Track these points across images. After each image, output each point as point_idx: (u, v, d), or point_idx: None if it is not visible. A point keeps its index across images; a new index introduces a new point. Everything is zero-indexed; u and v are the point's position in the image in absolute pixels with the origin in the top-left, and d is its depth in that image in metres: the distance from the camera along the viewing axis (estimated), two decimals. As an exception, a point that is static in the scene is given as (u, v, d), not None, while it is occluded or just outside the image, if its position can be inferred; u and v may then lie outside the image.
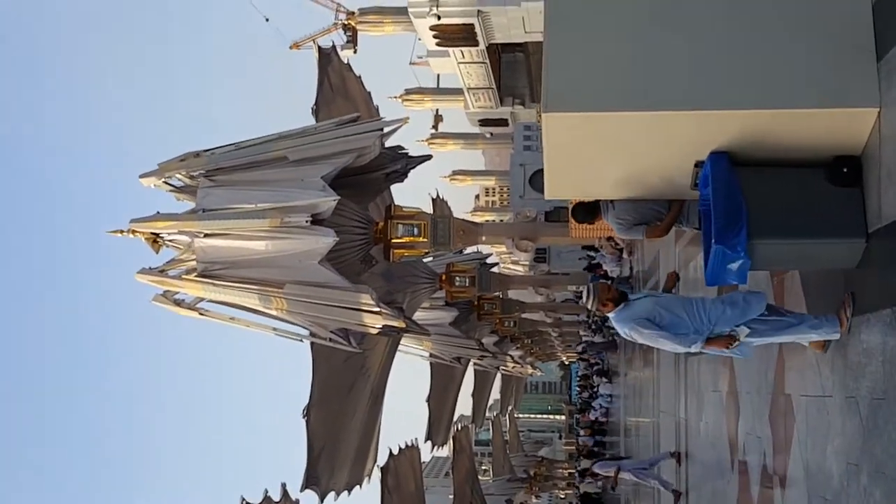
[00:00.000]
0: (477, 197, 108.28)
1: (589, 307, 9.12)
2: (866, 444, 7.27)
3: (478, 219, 78.50)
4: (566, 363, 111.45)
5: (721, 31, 7.52)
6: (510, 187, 61.75)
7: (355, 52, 53.58)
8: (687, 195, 8.69)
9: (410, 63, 60.30)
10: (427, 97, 62.40)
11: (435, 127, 70.02)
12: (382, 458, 24.96)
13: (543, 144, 7.97)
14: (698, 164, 7.94)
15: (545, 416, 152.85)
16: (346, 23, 52.74)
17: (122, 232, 14.25)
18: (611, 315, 8.89)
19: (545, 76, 7.58)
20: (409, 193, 18.53)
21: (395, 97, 62.67)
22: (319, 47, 17.83)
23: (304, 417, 17.08)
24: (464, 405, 42.91)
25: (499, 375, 53.11)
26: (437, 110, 65.87)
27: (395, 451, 27.01)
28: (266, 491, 18.71)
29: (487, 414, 57.67)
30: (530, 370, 63.84)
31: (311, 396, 17.08)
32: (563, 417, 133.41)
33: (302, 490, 17.80)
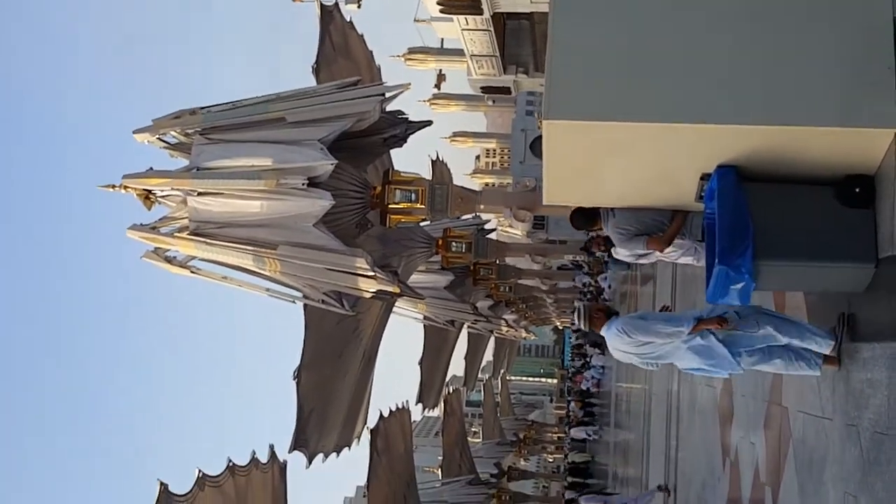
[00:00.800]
0: (477, 157, 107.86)
1: (581, 328, 9.12)
2: (866, 478, 7.07)
3: (477, 180, 78.34)
4: (560, 328, 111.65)
5: (731, 40, 7.24)
6: (511, 152, 61.41)
7: (359, 6, 52.71)
8: (691, 206, 8.46)
9: (415, 20, 59.57)
10: (430, 57, 61.61)
11: (437, 86, 69.33)
12: (373, 421, 24.93)
13: (543, 149, 7.70)
14: (704, 177, 7.70)
15: (537, 379, 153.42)
16: (351, -24, 51.98)
17: (114, 187, 14.02)
18: (603, 331, 8.82)
19: (547, 80, 7.32)
20: (410, 153, 18.27)
21: (398, 56, 61.95)
22: (322, 4, 17.47)
23: (294, 379, 16.92)
24: (456, 366, 42.89)
25: (492, 338, 53.07)
26: (440, 70, 65.16)
27: (386, 414, 26.97)
28: (253, 452, 18.63)
29: (480, 376, 57.69)
30: (524, 334, 63.87)
31: (302, 358, 16.92)
32: (555, 381, 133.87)
33: (290, 451, 17.69)
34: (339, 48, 18.40)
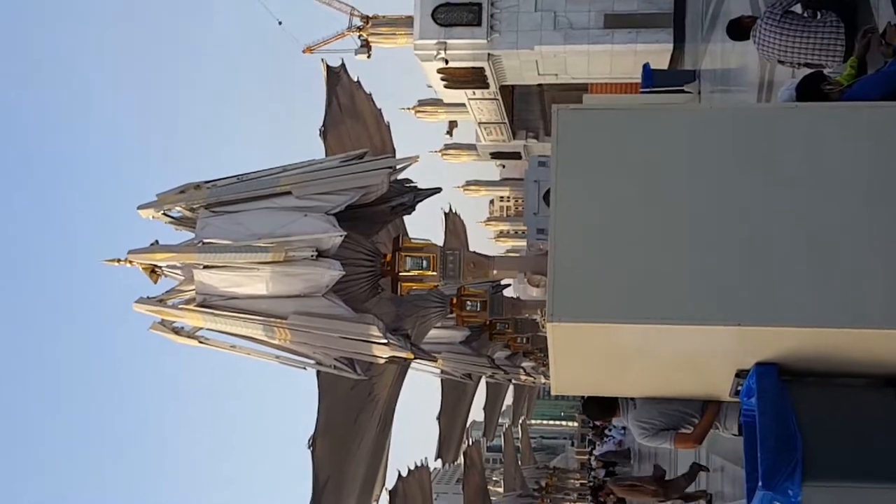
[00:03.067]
0: (491, 202, 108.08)
1: None
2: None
3: (492, 227, 78.20)
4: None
5: (766, 229, 6.22)
6: (524, 203, 61.24)
7: (369, 56, 52.72)
8: (724, 398, 7.55)
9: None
10: (441, 109, 61.60)
11: (450, 133, 69.51)
12: (391, 482, 24.51)
13: (549, 348, 7.01)
14: (741, 374, 6.77)
15: (558, 422, 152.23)
16: (360, 30, 52.00)
17: (119, 261, 13.81)
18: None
19: (550, 279, 6.46)
20: (423, 205, 18.04)
21: (408, 108, 62.11)
22: (328, 66, 17.26)
23: (309, 448, 16.54)
24: (476, 411, 42.37)
25: (511, 386, 52.58)
26: (450, 121, 65.24)
27: (404, 473, 26.58)
28: (268, 528, 18.18)
29: (501, 420, 57.08)
30: (543, 380, 63.17)
31: (316, 426, 16.57)
32: (576, 424, 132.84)
33: (306, 523, 17.25)
34: (347, 109, 18.20)
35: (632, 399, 8.59)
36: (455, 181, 77.07)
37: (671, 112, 7.72)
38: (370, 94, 19.64)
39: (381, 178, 12.91)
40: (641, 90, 31.74)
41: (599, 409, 9.13)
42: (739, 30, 11.74)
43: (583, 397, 9.23)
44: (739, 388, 6.84)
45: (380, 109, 20.18)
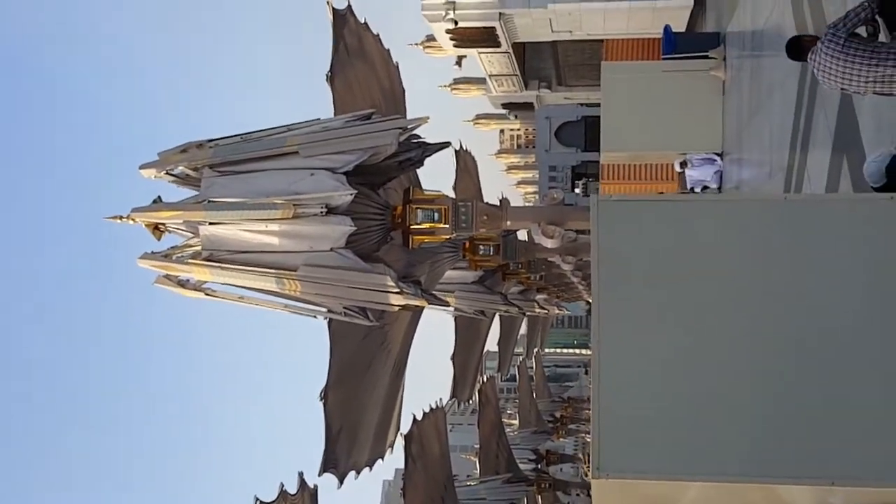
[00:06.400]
0: (501, 132, 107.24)
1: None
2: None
3: (503, 160, 77.64)
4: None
5: (862, 364, 5.27)
6: (536, 140, 60.55)
7: (459, 65, 52.17)
8: None
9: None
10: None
11: (458, 64, 68.82)
12: (406, 426, 24.35)
13: (592, 497, 6.25)
14: None
15: (571, 350, 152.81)
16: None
17: (121, 218, 13.51)
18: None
19: (595, 427, 5.57)
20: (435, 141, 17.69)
21: (417, 44, 61.32)
22: (334, 9, 16.76)
23: (321, 400, 16.33)
24: (490, 342, 42.04)
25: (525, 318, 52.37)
26: (458, 57, 64.60)
27: (419, 416, 26.41)
28: (282, 485, 18.02)
29: (516, 350, 56.91)
30: (556, 311, 62.91)
31: (328, 377, 16.31)
32: (590, 352, 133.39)
33: (320, 474, 17.04)
34: (354, 51, 17.71)
35: None
36: (464, 115, 76.81)
37: (735, 205, 6.65)
38: (378, 35, 19.14)
39: (391, 139, 12.65)
40: (663, 56, 31.14)
41: None
42: (799, 50, 10.68)
43: None
44: None
45: (388, 50, 19.70)
